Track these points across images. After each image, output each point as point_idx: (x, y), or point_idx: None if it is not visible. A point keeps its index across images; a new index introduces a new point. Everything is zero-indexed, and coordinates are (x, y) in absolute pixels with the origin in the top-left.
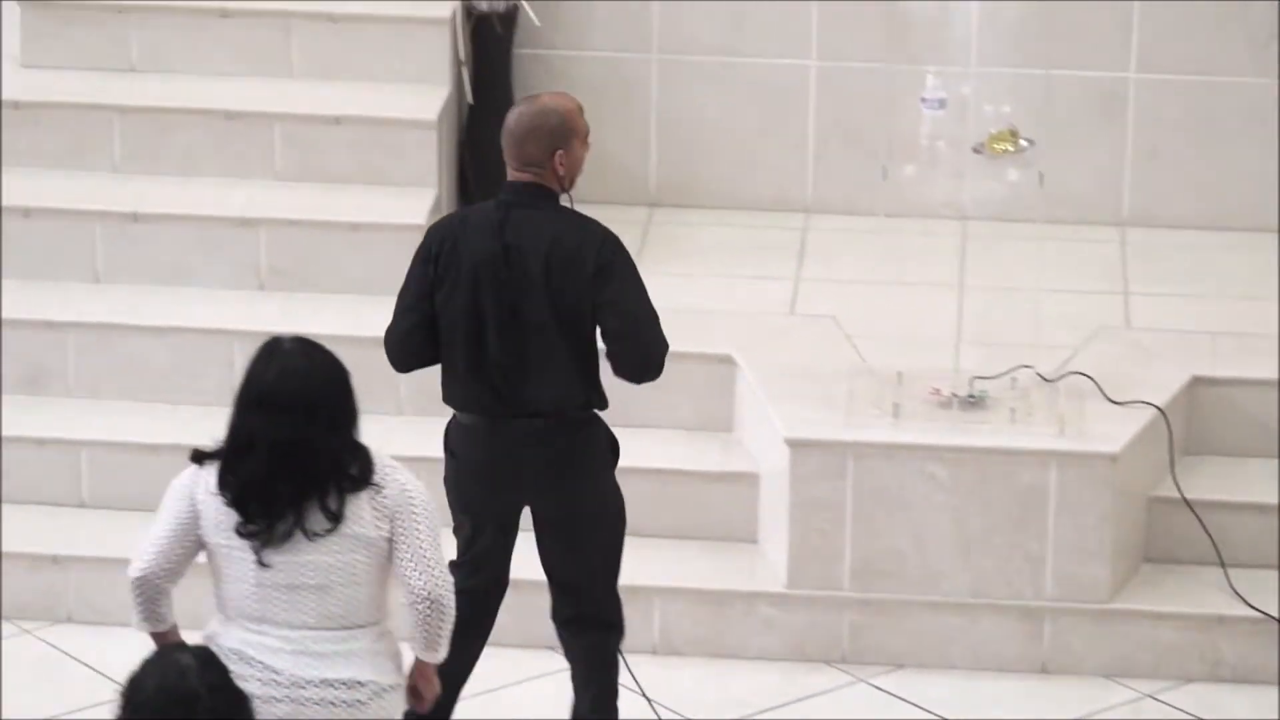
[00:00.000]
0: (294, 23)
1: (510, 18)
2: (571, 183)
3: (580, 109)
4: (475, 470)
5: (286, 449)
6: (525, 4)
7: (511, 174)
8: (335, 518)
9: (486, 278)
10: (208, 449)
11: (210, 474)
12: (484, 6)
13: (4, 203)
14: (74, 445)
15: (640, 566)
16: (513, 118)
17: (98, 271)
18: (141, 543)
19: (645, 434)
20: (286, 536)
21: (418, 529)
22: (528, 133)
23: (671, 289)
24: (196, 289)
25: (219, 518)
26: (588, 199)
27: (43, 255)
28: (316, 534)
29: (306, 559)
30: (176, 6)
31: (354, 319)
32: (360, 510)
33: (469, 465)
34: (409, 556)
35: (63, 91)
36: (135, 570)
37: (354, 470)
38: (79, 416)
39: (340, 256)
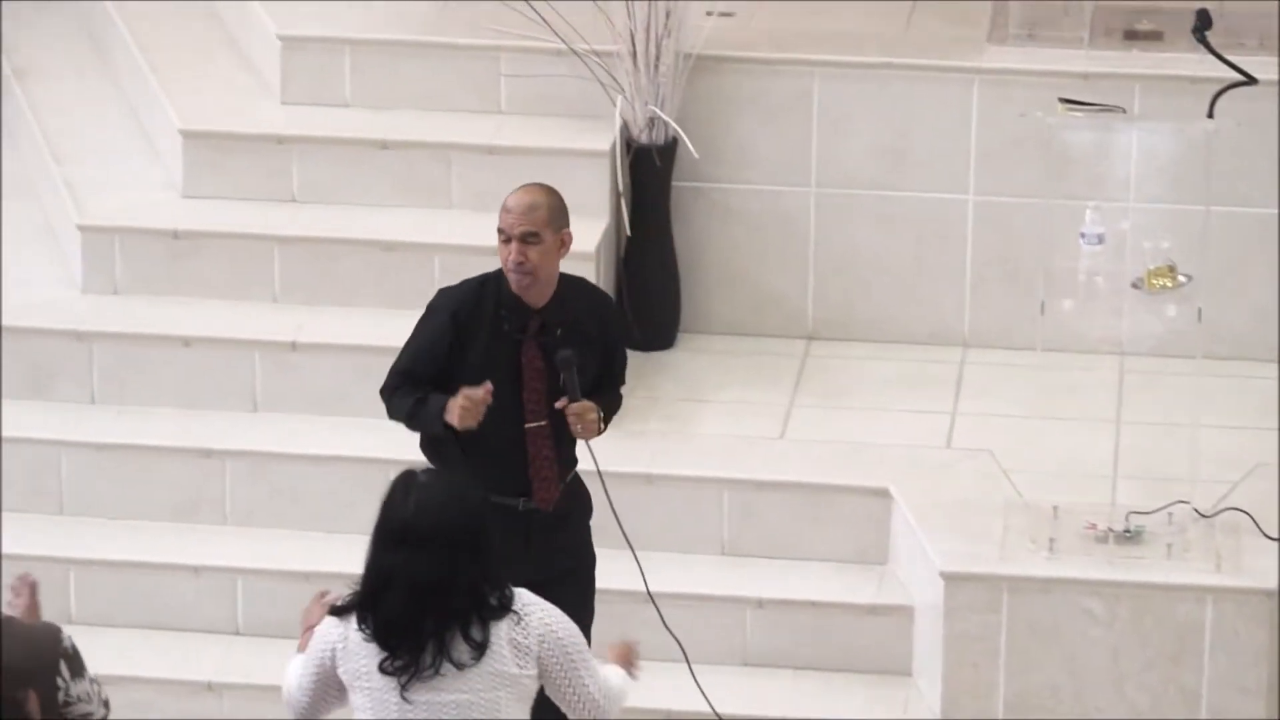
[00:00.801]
0: (453, 154)
1: (669, 150)
2: None
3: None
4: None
5: (427, 583)
6: (684, 137)
7: None
8: (480, 646)
9: None
10: (345, 602)
11: (350, 624)
12: (643, 139)
13: (165, 331)
14: (230, 573)
15: (796, 699)
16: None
17: (256, 400)
18: (289, 678)
19: (801, 566)
20: (431, 670)
21: (574, 666)
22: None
23: (828, 421)
24: (353, 418)
25: (361, 662)
26: (745, 330)
27: (202, 384)
28: (462, 664)
29: (449, 698)
30: (337, 138)
31: None
32: (500, 647)
33: None
34: (574, 696)
35: (224, 222)
36: (289, 712)
37: (494, 600)
38: (235, 544)
39: None
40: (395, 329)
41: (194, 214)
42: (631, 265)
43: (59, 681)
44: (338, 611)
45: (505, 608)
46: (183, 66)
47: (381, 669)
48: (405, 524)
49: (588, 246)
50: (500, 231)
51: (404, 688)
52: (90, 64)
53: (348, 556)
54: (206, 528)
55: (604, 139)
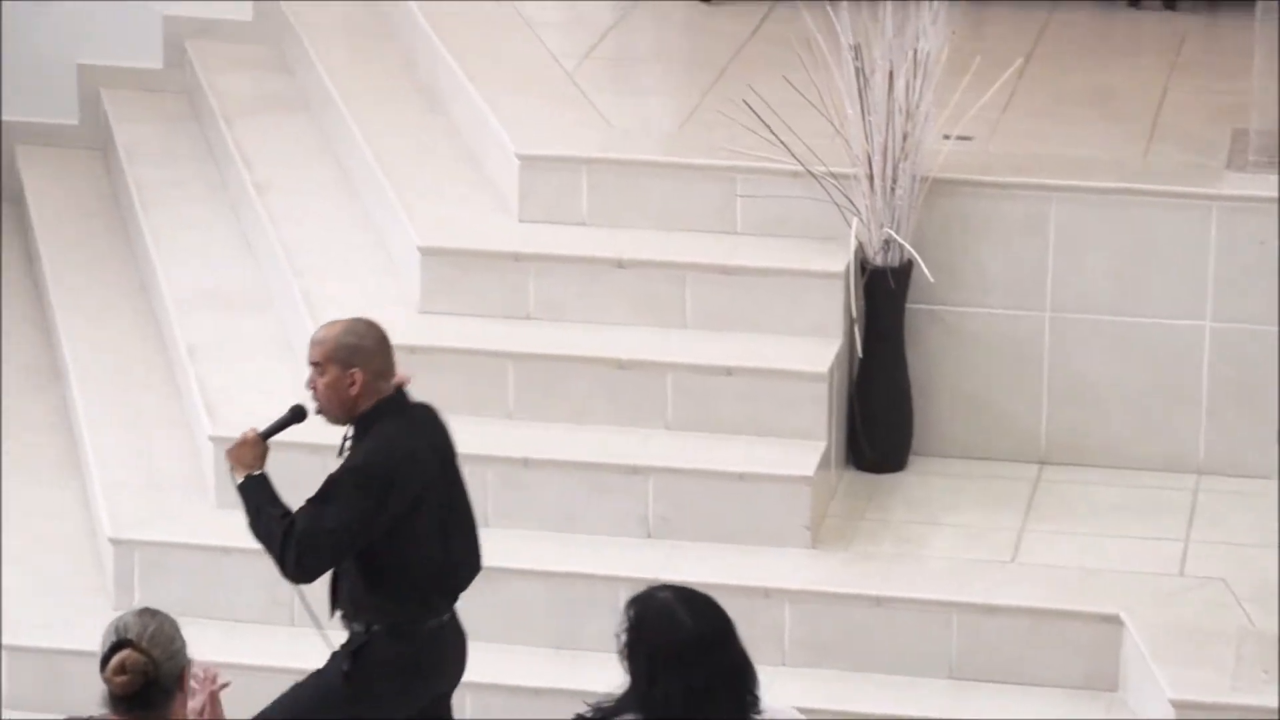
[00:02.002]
0: (688, 274)
1: (904, 272)
2: None
3: None
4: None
5: (729, 682)
6: (919, 260)
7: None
8: None
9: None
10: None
11: None
12: (878, 261)
13: None
14: (460, 688)
15: None
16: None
17: (488, 515)
18: None
19: (1029, 692)
20: None
21: None
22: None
23: (1060, 546)
24: (583, 535)
25: None
26: (977, 454)
27: None
28: None
29: None
30: (573, 256)
31: (739, 568)
32: None
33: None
34: None
35: (460, 337)
36: None
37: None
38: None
39: (727, 506)
40: (628, 446)
41: (430, 329)
42: (864, 387)
43: None
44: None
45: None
46: (422, 183)
47: None
48: (687, 642)
49: (820, 368)
50: None
51: None
52: (331, 179)
53: (574, 673)
54: None
55: (839, 260)
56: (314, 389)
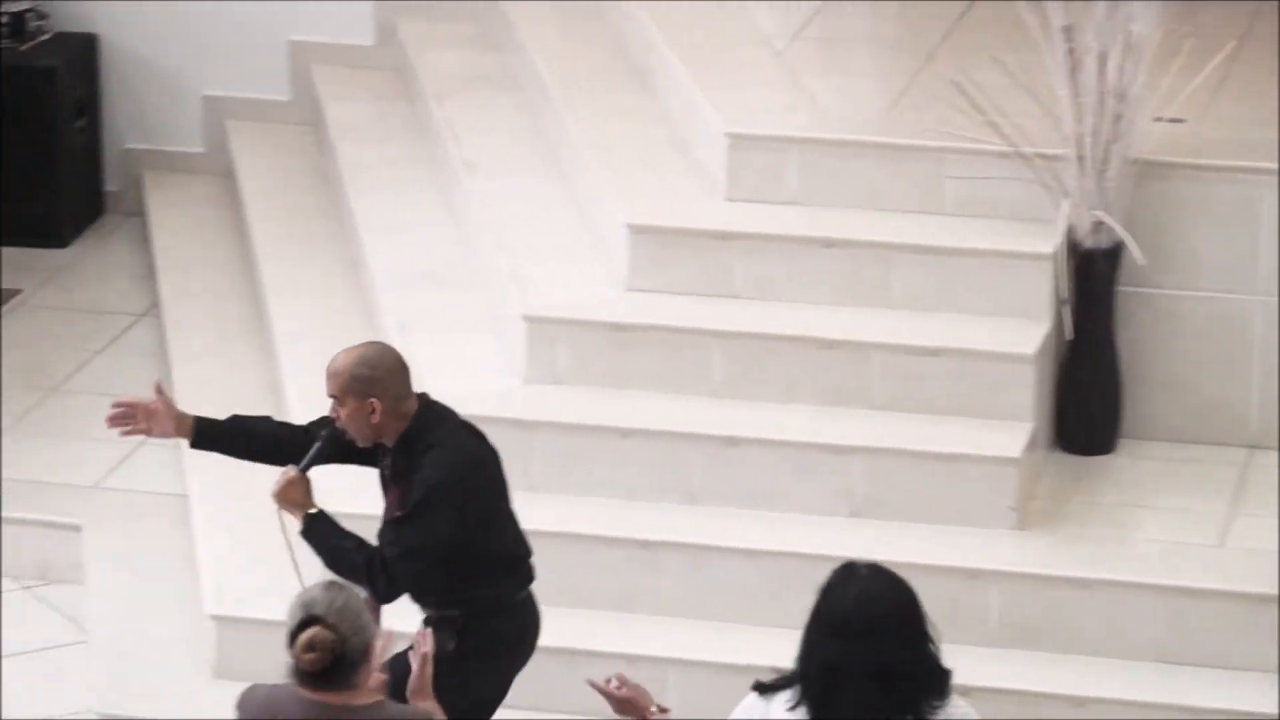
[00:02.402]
0: (895, 255)
1: (1114, 255)
2: None
3: None
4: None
5: (868, 674)
6: (1130, 241)
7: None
8: None
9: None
10: (770, 681)
11: (773, 702)
12: (1088, 243)
13: (605, 423)
14: (663, 663)
15: None
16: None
17: (693, 493)
18: None
19: (1239, 677)
20: None
21: None
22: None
23: (1270, 532)
24: (788, 514)
25: None
26: (1187, 437)
27: (640, 475)
28: None
29: None
30: (780, 235)
31: (945, 550)
32: None
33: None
34: None
35: (667, 316)
36: None
37: (935, 693)
38: (669, 635)
39: (933, 487)
40: (833, 426)
41: (637, 307)
42: (1072, 369)
43: None
44: (762, 689)
45: (942, 693)
46: (630, 162)
47: None
48: (847, 614)
49: (1028, 349)
50: None
51: None
52: (537, 158)
53: (779, 650)
54: (641, 618)
55: (1048, 242)
56: (337, 417)
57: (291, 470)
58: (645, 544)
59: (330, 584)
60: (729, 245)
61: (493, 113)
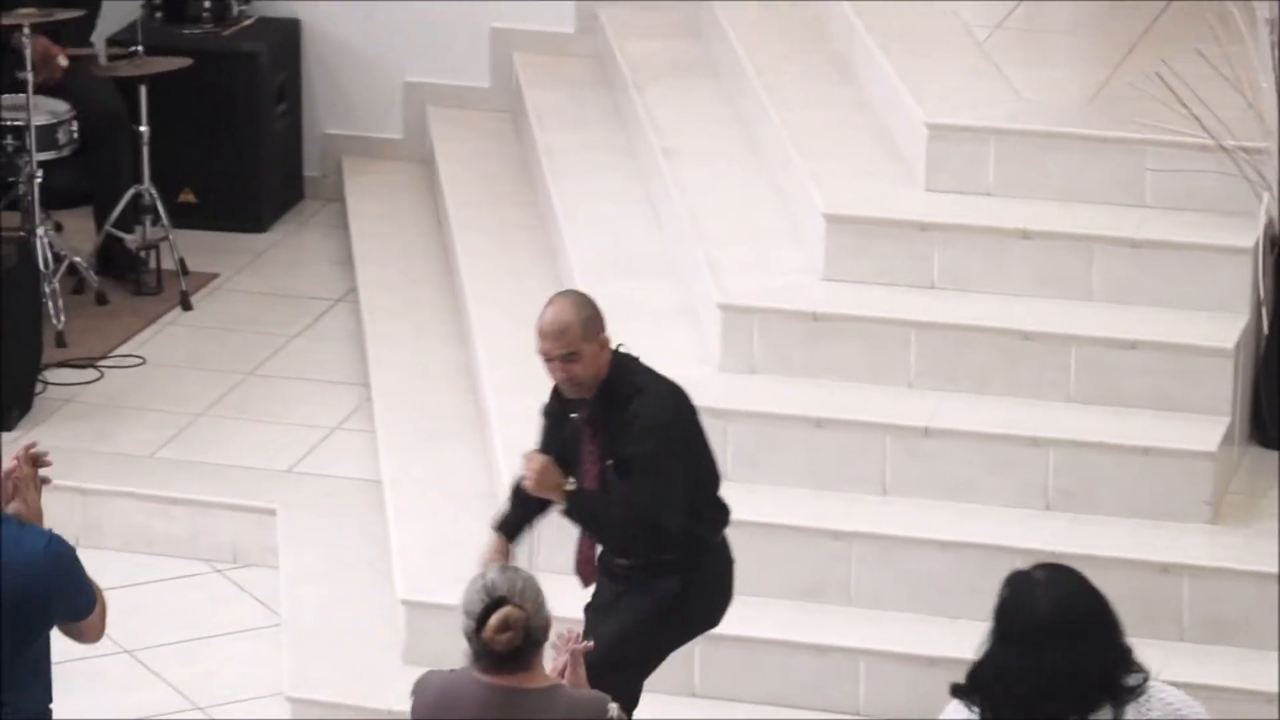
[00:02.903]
0: (1095, 246)
1: None
2: None
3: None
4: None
5: (1062, 676)
6: None
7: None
8: None
9: None
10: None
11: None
12: None
13: (799, 412)
14: (853, 654)
15: None
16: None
17: (885, 484)
18: None
19: None
20: None
21: None
22: None
23: None
24: (981, 506)
25: None
26: None
27: (834, 465)
28: None
29: None
30: (979, 226)
31: (1138, 544)
32: None
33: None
34: None
35: (863, 305)
36: None
37: (1129, 681)
38: (860, 626)
39: (1128, 480)
40: (1029, 418)
41: (833, 297)
42: (1270, 364)
43: None
44: (961, 693)
45: (1137, 689)
46: (828, 151)
47: None
48: (1041, 623)
49: (1226, 343)
50: (541, 353)
51: None
52: (736, 146)
53: (971, 643)
54: (832, 608)
55: (1248, 236)
56: (568, 378)
57: (535, 454)
58: (837, 534)
59: (504, 568)
60: (927, 235)
61: (692, 100)
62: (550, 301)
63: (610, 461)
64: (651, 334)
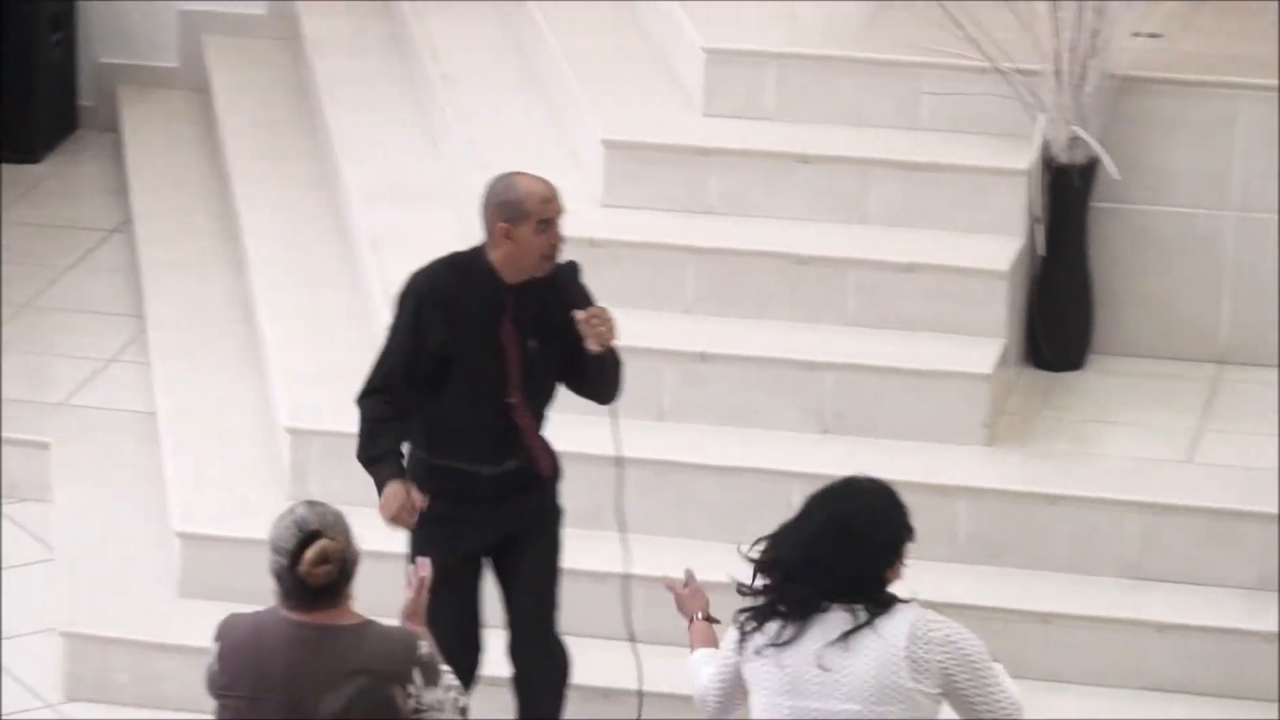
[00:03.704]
0: (872, 170)
1: (1089, 171)
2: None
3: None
4: None
5: (834, 568)
6: (1105, 157)
7: None
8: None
9: None
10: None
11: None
12: (1063, 159)
13: None
14: (628, 579)
15: None
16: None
17: (663, 409)
18: (699, 678)
19: (1203, 592)
20: (794, 630)
21: (982, 677)
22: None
23: (1237, 447)
24: (759, 430)
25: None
26: (1157, 353)
27: None
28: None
29: (839, 706)
30: (757, 151)
31: (916, 464)
32: (896, 660)
33: None
34: (984, 707)
35: (641, 231)
36: (701, 711)
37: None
38: (636, 551)
39: (905, 403)
40: (806, 343)
41: (612, 223)
42: (1045, 285)
43: (410, 688)
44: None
45: (887, 605)
46: (607, 77)
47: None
48: (846, 520)
49: (1001, 265)
50: (542, 222)
51: (780, 649)
52: (515, 73)
53: (747, 567)
54: (609, 534)
55: (1023, 158)
56: (560, 242)
57: (598, 310)
58: (616, 460)
59: (310, 503)
60: (705, 161)
61: (471, 27)
62: (512, 179)
63: (533, 341)
64: (428, 261)
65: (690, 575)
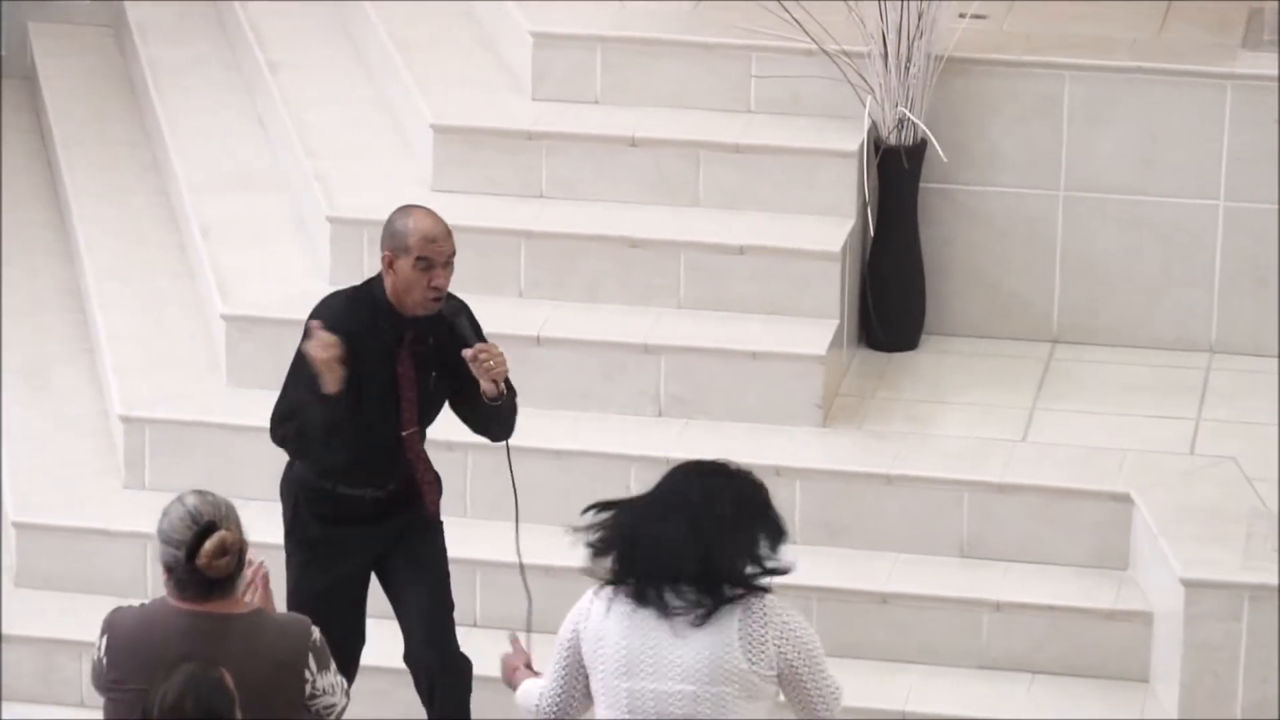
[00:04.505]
0: (702, 153)
1: (918, 152)
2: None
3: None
4: None
5: (687, 547)
6: (933, 139)
7: None
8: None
9: None
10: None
11: (599, 595)
12: (892, 140)
13: None
14: (470, 565)
15: (1032, 703)
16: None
17: None
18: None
19: (1040, 570)
20: (655, 603)
21: (817, 665)
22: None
23: (1071, 425)
24: (595, 414)
25: (601, 639)
26: (989, 333)
27: None
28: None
29: (675, 688)
30: (586, 135)
31: (751, 446)
32: (731, 642)
33: None
34: (818, 695)
35: (473, 216)
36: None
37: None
38: (475, 537)
39: (740, 385)
40: (640, 325)
41: (442, 208)
42: (876, 266)
43: (306, 674)
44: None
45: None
46: (435, 62)
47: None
48: (687, 500)
49: (833, 247)
50: (421, 259)
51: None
52: (344, 59)
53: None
54: (448, 519)
55: (852, 140)
56: (444, 284)
57: (486, 346)
58: (450, 445)
59: (198, 493)
60: (534, 145)
61: (298, 12)
62: (408, 210)
63: (434, 374)
64: (263, 250)
65: (512, 636)
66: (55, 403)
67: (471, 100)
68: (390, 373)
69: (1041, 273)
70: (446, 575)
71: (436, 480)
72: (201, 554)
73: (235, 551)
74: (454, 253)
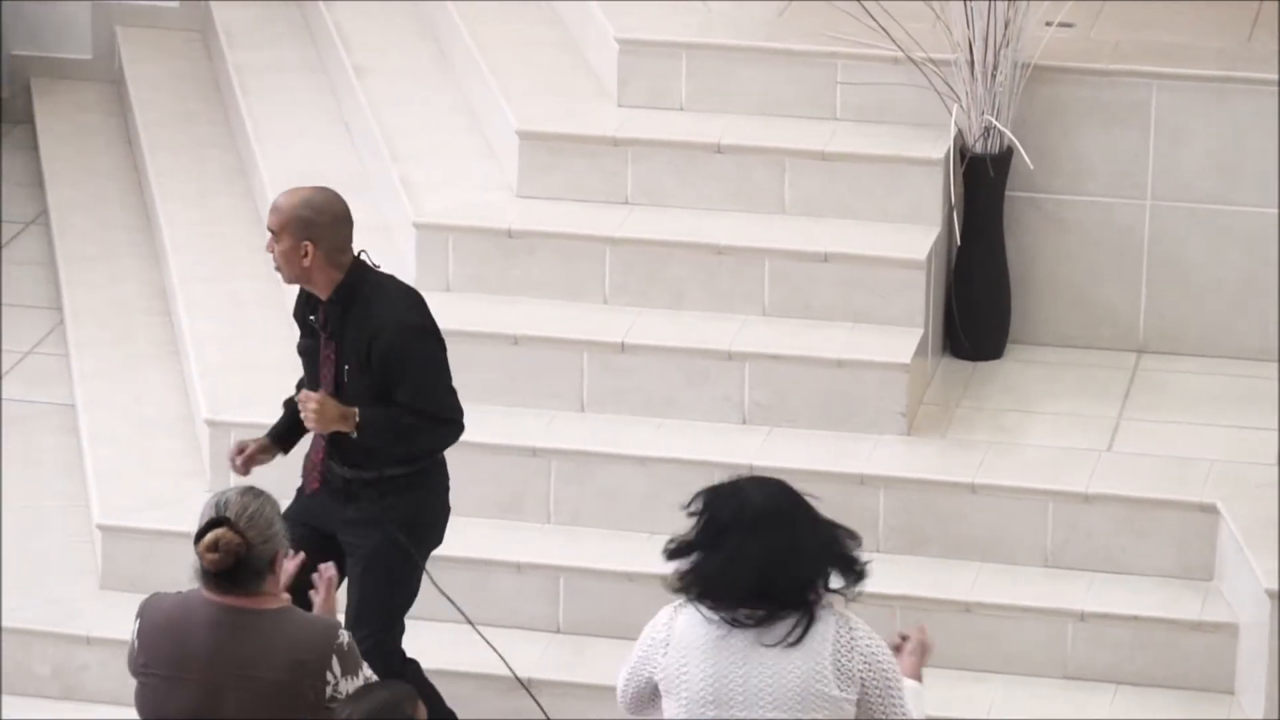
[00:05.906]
0: (787, 160)
1: (1004, 160)
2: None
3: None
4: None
5: (775, 553)
6: (1019, 146)
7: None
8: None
9: None
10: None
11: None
12: (978, 148)
13: (496, 330)
14: (552, 570)
15: (1116, 713)
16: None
17: (583, 400)
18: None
19: (1124, 580)
20: (753, 621)
21: (892, 692)
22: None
23: (1156, 435)
24: (679, 421)
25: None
26: (1075, 342)
27: (531, 382)
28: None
29: (768, 716)
30: (671, 141)
31: (835, 454)
32: (824, 668)
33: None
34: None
35: (557, 222)
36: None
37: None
38: (558, 542)
39: (824, 393)
40: (723, 332)
41: (528, 214)
42: (962, 275)
43: (328, 676)
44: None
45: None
46: (521, 68)
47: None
48: (757, 509)
49: (918, 255)
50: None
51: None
52: (430, 64)
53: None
54: (530, 525)
55: (938, 148)
56: (272, 251)
57: (310, 396)
58: (535, 451)
59: (248, 490)
60: (620, 151)
61: (385, 16)
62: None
63: (348, 365)
64: None
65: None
66: (140, 405)
67: (556, 105)
68: (317, 350)
69: (1127, 282)
70: (378, 582)
71: (334, 467)
72: (200, 543)
73: (229, 552)
74: (280, 227)
